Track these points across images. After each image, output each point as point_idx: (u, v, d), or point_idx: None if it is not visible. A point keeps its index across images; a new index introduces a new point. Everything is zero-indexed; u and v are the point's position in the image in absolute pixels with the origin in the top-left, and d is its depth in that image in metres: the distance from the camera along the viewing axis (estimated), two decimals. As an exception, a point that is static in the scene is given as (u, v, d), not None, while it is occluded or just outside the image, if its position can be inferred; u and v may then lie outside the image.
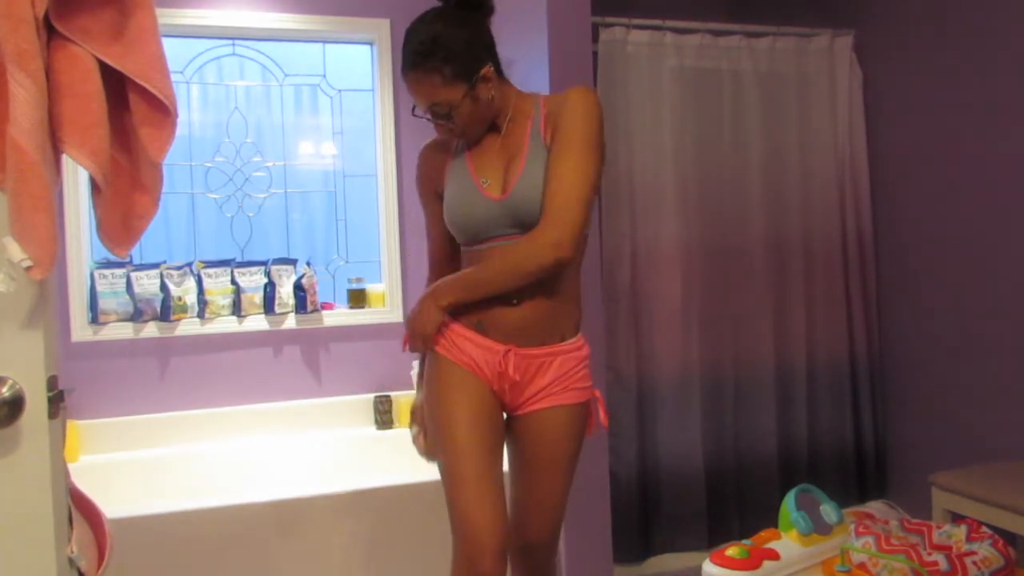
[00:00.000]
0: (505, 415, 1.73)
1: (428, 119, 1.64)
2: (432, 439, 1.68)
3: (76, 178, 2.78)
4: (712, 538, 2.82)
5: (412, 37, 1.57)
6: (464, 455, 1.57)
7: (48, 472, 0.93)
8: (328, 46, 3.22)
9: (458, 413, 1.61)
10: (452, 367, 1.65)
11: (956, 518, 2.11)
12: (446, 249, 1.79)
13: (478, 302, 1.62)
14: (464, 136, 1.65)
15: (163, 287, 2.87)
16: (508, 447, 1.76)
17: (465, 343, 1.65)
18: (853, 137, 3.06)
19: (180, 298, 2.87)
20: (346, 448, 2.97)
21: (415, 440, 1.78)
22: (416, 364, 1.90)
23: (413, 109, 1.66)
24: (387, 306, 3.17)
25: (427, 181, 1.76)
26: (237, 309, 2.98)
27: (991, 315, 2.61)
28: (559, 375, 1.67)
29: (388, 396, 3.08)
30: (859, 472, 3.05)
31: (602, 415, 1.76)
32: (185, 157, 3.04)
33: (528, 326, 1.63)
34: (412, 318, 1.68)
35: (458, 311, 1.66)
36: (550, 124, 1.59)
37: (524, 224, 1.58)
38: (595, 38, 2.54)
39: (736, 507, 2.91)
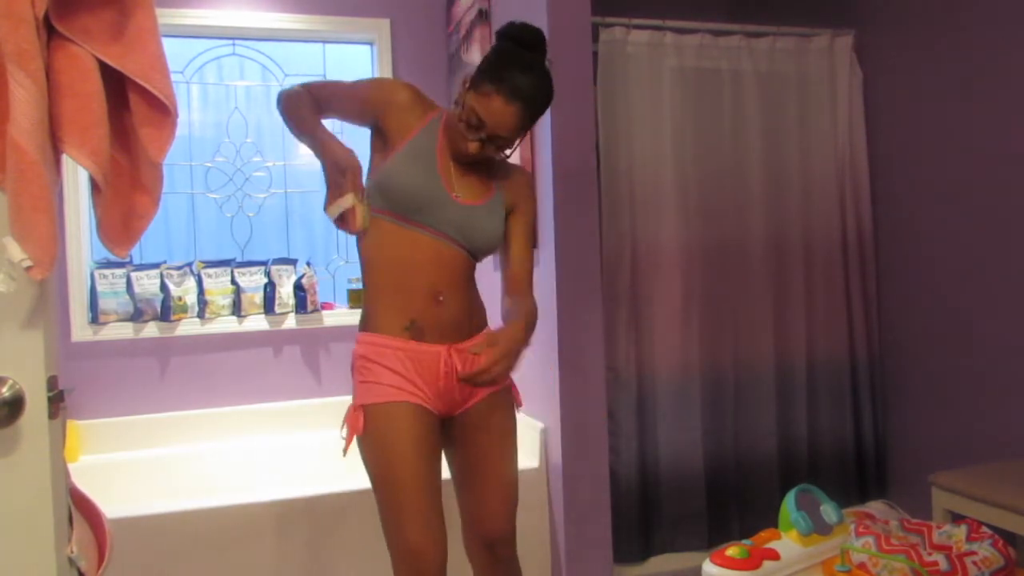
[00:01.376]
0: (441, 421, 1.74)
1: (467, 125, 1.62)
2: (371, 474, 1.66)
3: (76, 178, 2.78)
4: (712, 538, 2.82)
5: (530, 80, 1.59)
6: (405, 485, 1.60)
7: (48, 472, 0.93)
8: (328, 46, 3.22)
9: (396, 445, 1.60)
10: (380, 408, 1.63)
11: (956, 518, 2.11)
12: (323, 116, 1.76)
13: (406, 304, 1.65)
14: (477, 157, 1.67)
15: (163, 287, 2.87)
16: (450, 452, 1.78)
17: (397, 361, 1.64)
18: (853, 137, 3.06)
19: (180, 298, 2.87)
20: (346, 448, 2.96)
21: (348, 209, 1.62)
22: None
23: (469, 114, 1.62)
24: (387, 306, 3.16)
25: (388, 105, 1.70)
26: (237, 309, 2.98)
27: (991, 315, 2.61)
28: None
29: (388, 396, 3.07)
30: (859, 472, 3.05)
31: (517, 397, 1.83)
32: (185, 157, 3.04)
33: (458, 322, 1.69)
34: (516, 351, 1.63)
35: (383, 318, 1.67)
36: (510, 194, 1.79)
37: (464, 233, 1.68)
38: (595, 38, 2.54)
39: (736, 507, 2.90)
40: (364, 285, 1.73)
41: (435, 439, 1.68)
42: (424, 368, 1.65)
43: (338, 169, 1.61)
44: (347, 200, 1.58)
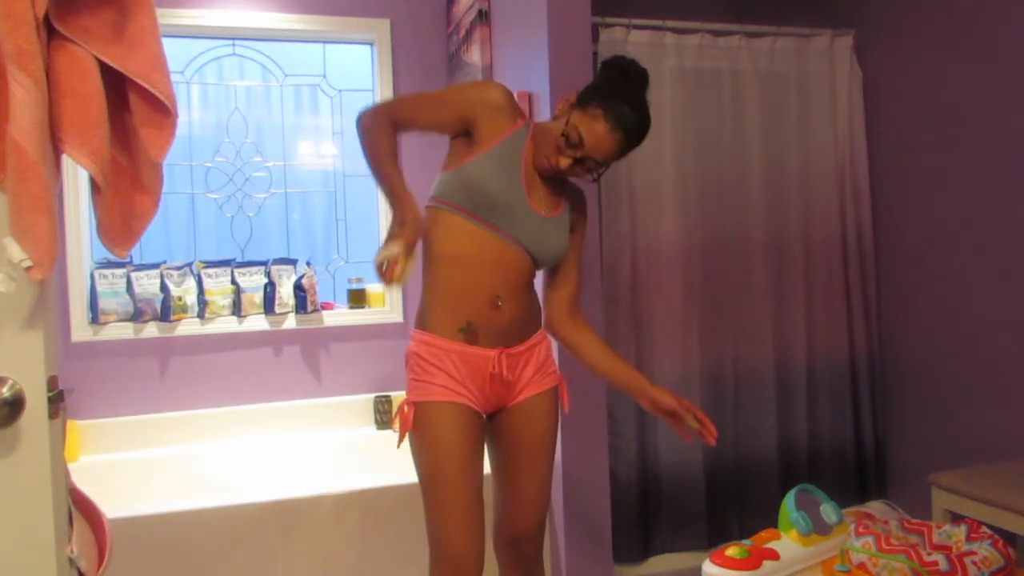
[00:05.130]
0: (486, 416, 1.77)
1: (567, 141, 1.64)
2: (418, 471, 1.69)
3: (76, 178, 2.78)
4: (712, 538, 2.82)
5: (639, 113, 1.64)
6: (449, 486, 1.64)
7: (48, 472, 0.93)
8: (328, 46, 3.22)
9: (442, 445, 1.64)
10: (429, 407, 1.66)
11: (956, 518, 2.11)
12: (399, 134, 1.71)
13: (464, 305, 1.66)
14: (566, 173, 1.69)
15: (163, 287, 2.87)
16: (490, 445, 1.81)
17: (447, 361, 1.67)
18: (853, 137, 3.06)
19: (180, 298, 2.87)
20: (346, 448, 2.97)
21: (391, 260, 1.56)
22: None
23: (571, 131, 1.64)
24: (387, 306, 3.16)
25: (484, 104, 1.69)
26: (237, 309, 2.98)
27: (991, 315, 2.61)
28: (538, 365, 1.77)
29: (388, 396, 3.07)
30: (859, 472, 3.05)
31: (565, 400, 1.84)
32: (185, 157, 3.04)
33: (513, 327, 1.71)
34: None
35: (439, 318, 1.69)
36: (574, 213, 1.83)
37: (536, 241, 1.70)
38: (595, 38, 2.54)
39: (736, 507, 2.90)
40: (424, 282, 1.74)
41: (479, 439, 1.72)
42: (474, 370, 1.68)
43: (399, 221, 1.59)
44: (393, 249, 1.56)
